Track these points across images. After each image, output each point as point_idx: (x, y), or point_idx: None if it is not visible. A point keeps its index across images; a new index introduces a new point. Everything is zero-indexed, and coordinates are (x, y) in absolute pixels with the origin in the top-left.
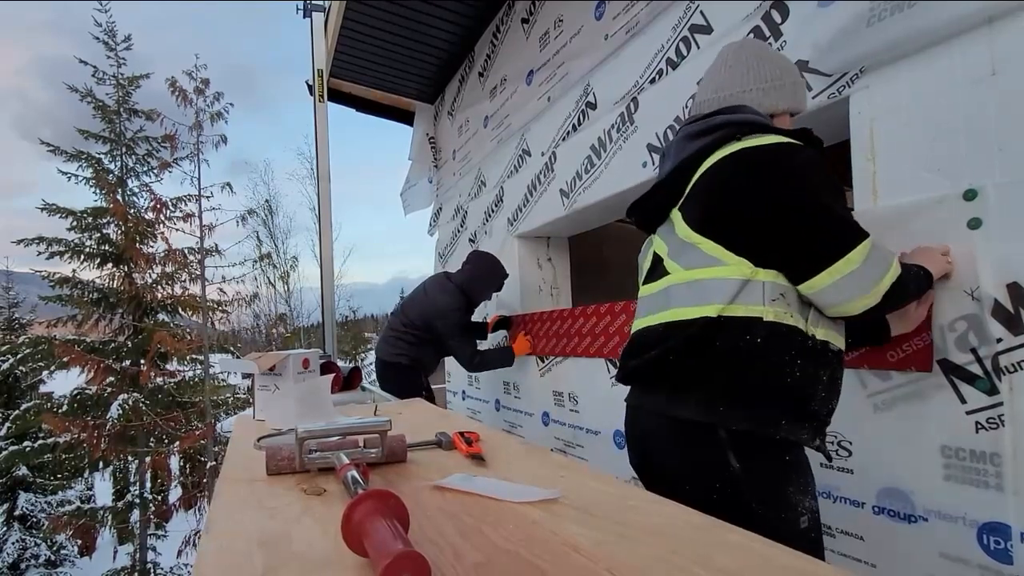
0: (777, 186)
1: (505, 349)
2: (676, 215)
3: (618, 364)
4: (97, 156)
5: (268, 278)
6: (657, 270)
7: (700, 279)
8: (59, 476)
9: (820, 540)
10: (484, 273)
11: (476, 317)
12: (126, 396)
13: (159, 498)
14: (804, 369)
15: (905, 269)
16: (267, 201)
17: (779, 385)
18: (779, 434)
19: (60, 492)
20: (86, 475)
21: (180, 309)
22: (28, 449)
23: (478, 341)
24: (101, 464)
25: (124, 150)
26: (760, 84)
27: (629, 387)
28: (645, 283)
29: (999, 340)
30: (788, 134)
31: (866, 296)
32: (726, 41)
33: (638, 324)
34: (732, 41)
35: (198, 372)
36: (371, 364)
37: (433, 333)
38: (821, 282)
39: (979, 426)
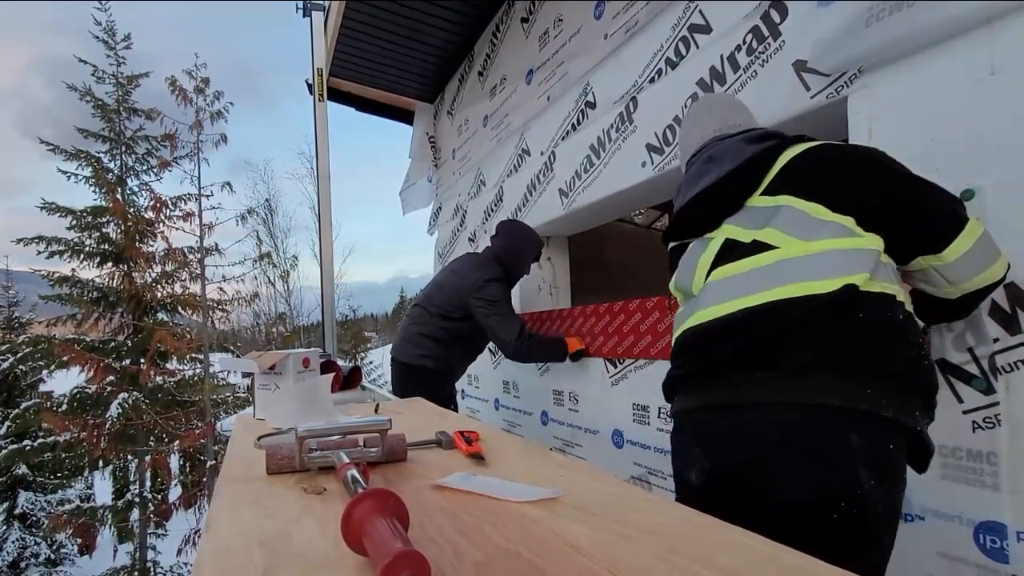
0: (890, 168)
1: (557, 338)
2: (761, 199)
3: (677, 363)
4: (97, 155)
5: (268, 277)
6: (735, 252)
7: (837, 248)
8: (59, 475)
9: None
10: (519, 241)
11: None
12: (126, 395)
13: (159, 497)
14: (927, 356)
15: None
16: (267, 200)
17: (918, 368)
18: (918, 425)
19: (60, 491)
20: (86, 474)
21: (180, 308)
22: (28, 448)
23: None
24: (101, 463)
25: (124, 149)
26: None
27: (696, 388)
28: (717, 266)
29: (996, 340)
30: None
31: (999, 259)
32: (725, 41)
33: (713, 312)
34: (710, 93)
35: (198, 371)
36: (371, 363)
37: (469, 318)
38: (960, 248)
39: (976, 425)
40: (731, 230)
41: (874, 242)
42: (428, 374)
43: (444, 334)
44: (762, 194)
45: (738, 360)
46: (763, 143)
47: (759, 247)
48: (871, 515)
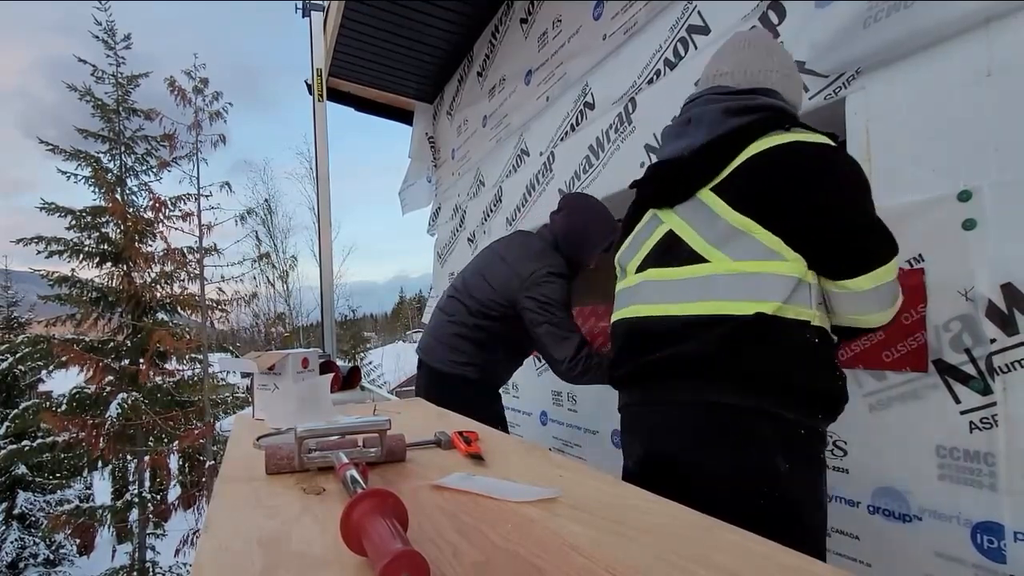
0: (837, 187)
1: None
2: (711, 196)
3: (618, 358)
4: (96, 155)
5: (267, 277)
6: (677, 253)
7: (755, 272)
8: (58, 475)
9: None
10: (588, 221)
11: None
12: (125, 395)
13: (158, 497)
14: (840, 376)
15: None
16: (266, 200)
17: (825, 383)
18: (819, 427)
19: (59, 491)
20: (85, 474)
21: (179, 308)
22: (27, 448)
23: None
24: (100, 463)
25: (123, 149)
26: (782, 70)
27: (634, 386)
28: (660, 266)
29: (993, 340)
30: (826, 136)
31: (885, 311)
32: (724, 42)
33: (649, 310)
34: (742, 30)
35: (197, 371)
36: (371, 363)
37: (514, 319)
38: (861, 284)
39: (973, 426)
40: (677, 222)
41: (794, 268)
42: (469, 386)
43: (485, 336)
44: (711, 189)
45: (672, 365)
46: (739, 118)
47: (695, 258)
48: (783, 490)
